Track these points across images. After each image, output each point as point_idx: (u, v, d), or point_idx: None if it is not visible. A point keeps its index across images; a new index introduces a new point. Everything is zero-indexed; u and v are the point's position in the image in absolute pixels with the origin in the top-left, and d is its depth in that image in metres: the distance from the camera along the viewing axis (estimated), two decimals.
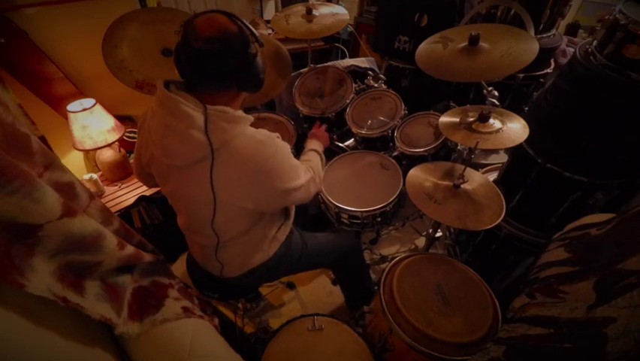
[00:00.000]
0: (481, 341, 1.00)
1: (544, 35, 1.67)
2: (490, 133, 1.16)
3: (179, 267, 1.34)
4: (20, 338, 0.58)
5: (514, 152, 1.42)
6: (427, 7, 1.97)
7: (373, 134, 1.76)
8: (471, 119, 1.23)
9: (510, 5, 1.60)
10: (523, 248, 1.39)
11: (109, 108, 1.57)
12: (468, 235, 1.72)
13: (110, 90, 1.50)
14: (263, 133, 0.87)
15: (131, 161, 1.72)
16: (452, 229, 1.85)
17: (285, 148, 0.91)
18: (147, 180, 1.11)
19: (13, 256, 0.56)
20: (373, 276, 1.68)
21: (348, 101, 1.85)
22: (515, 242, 1.41)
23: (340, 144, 1.94)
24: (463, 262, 1.23)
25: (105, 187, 1.65)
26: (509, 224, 1.41)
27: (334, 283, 1.80)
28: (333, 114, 1.86)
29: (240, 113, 0.85)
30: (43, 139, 1.30)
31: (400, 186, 1.52)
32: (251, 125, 0.88)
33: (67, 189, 0.74)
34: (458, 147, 1.54)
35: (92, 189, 1.56)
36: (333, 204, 1.52)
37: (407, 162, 1.70)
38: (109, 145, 1.53)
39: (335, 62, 2.20)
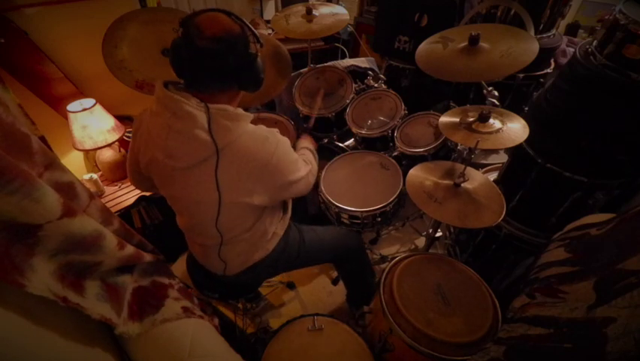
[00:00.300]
0: (481, 341, 1.00)
1: (544, 35, 1.67)
2: (490, 133, 1.16)
3: (179, 267, 1.35)
4: (20, 338, 0.58)
5: (514, 152, 1.42)
6: (427, 7, 1.97)
7: (373, 135, 1.76)
8: (471, 119, 1.23)
9: (510, 5, 1.60)
10: (523, 248, 1.39)
11: (109, 108, 1.57)
12: (468, 235, 1.72)
13: (110, 90, 1.50)
14: (264, 129, 0.88)
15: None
16: (452, 229, 1.85)
17: (287, 143, 0.92)
18: (142, 183, 1.09)
19: (13, 256, 0.56)
20: None
21: (348, 101, 1.85)
22: (515, 242, 1.41)
23: (340, 144, 1.94)
24: (463, 262, 1.23)
25: (105, 187, 1.65)
26: (509, 224, 1.41)
27: (334, 283, 1.80)
28: (333, 114, 1.86)
29: (240, 110, 0.85)
30: (43, 139, 1.30)
31: (400, 186, 1.52)
32: (251, 124, 0.88)
33: (67, 189, 0.74)
34: (458, 147, 1.54)
35: (92, 189, 1.56)
36: (333, 204, 1.52)
37: (407, 162, 1.70)
38: (109, 145, 1.53)
39: (335, 62, 2.19)
